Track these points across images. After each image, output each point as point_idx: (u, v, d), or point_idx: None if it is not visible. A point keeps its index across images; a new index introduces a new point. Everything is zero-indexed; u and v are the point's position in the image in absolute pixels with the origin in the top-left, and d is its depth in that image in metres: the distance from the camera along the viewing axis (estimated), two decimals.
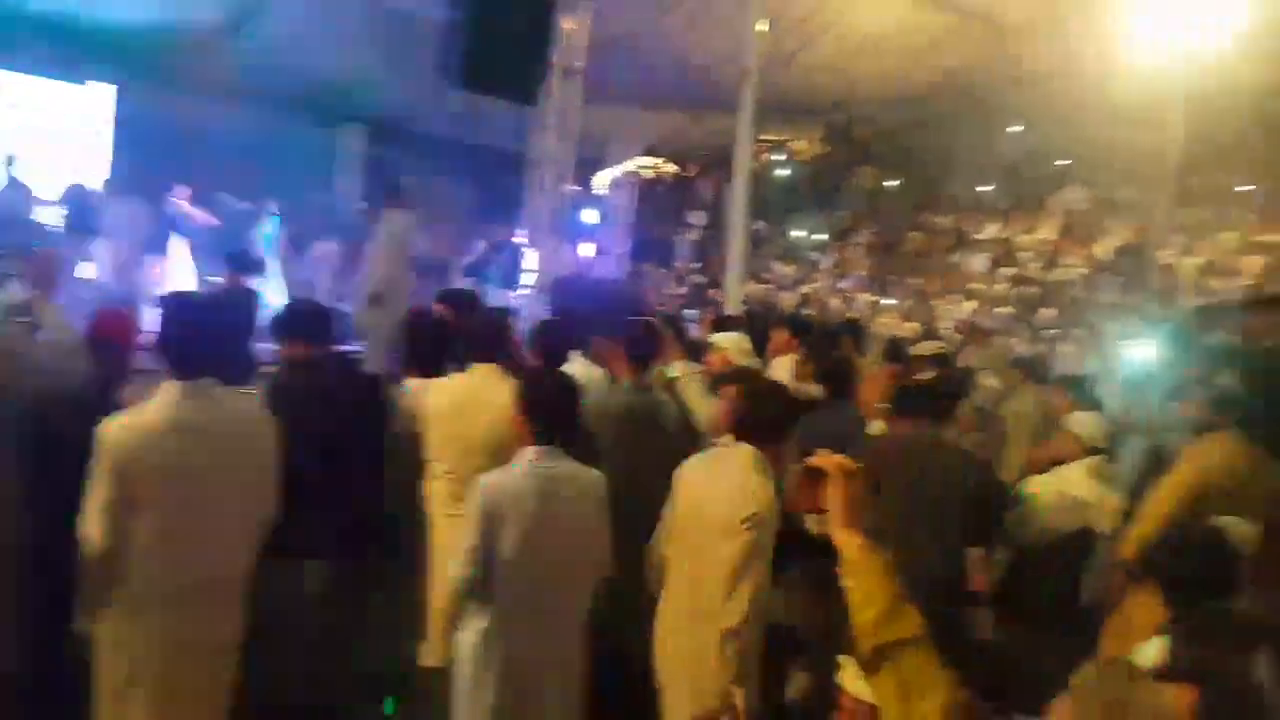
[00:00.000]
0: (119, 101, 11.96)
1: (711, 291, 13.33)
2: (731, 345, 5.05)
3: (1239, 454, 3.84)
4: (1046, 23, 13.69)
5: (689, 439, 4.11)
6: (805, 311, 12.64)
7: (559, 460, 3.04)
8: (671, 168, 19.68)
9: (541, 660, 3.04)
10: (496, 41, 7.30)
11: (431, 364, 3.82)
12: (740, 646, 3.05)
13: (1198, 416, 4.12)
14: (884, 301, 13.57)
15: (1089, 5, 12.36)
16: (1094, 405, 4.90)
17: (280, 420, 2.94)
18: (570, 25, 7.93)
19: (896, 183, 22.89)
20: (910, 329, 11.12)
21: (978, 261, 16.03)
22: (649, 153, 16.26)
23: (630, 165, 14.80)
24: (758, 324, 5.59)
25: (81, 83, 11.80)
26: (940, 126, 20.74)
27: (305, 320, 3.63)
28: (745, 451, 3.15)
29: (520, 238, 8.82)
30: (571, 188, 9.12)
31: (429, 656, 3.41)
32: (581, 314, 4.76)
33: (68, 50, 10.92)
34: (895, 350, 6.59)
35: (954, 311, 12.77)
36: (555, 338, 4.06)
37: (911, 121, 20.09)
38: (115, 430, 2.61)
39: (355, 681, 3.59)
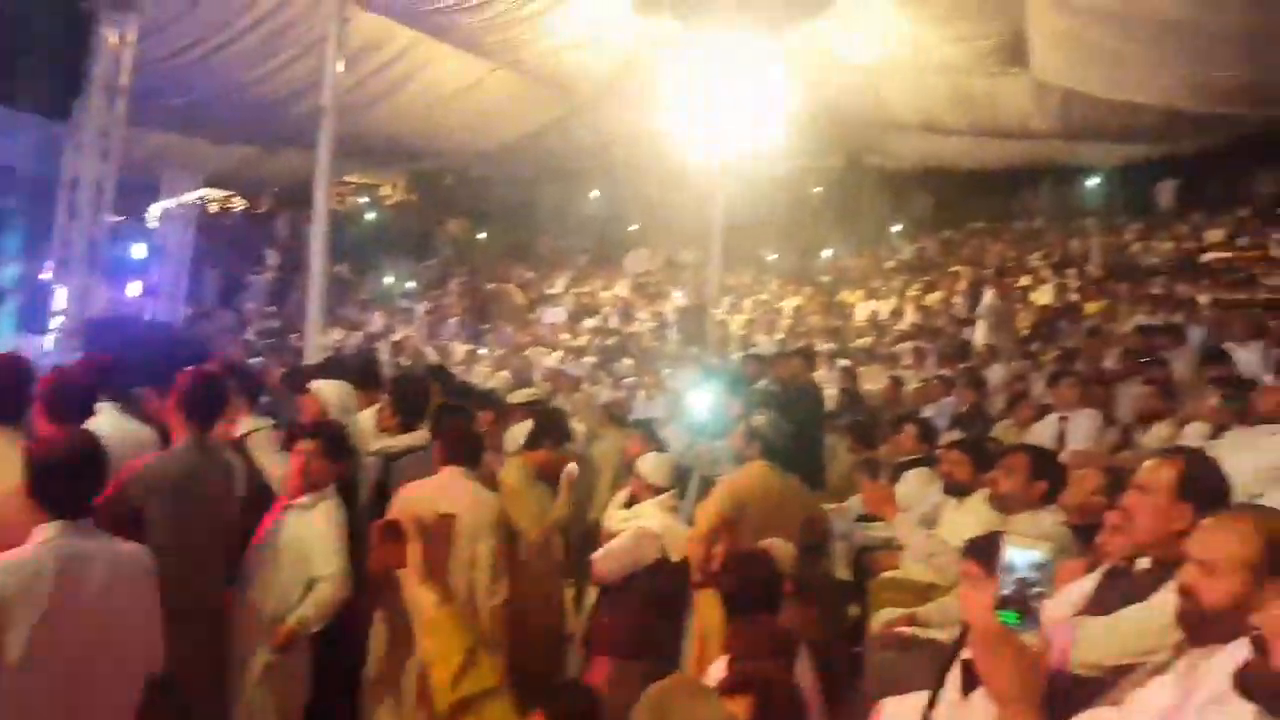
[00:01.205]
0: None
1: (291, 338, 12.46)
2: (334, 395, 4.69)
3: (770, 481, 4.37)
4: (614, 94, 15.03)
5: (261, 504, 3.74)
6: (400, 360, 12.37)
7: (86, 536, 2.56)
8: (241, 202, 18.17)
9: None
10: (17, 44, 6.21)
11: None
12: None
13: (739, 450, 4.63)
14: (480, 351, 13.70)
15: (651, 84, 13.77)
16: (661, 446, 5.34)
17: None
18: (115, 39, 6.98)
19: (484, 235, 23.55)
20: (502, 378, 11.32)
21: (561, 313, 16.93)
22: (214, 184, 14.82)
23: (190, 196, 13.30)
24: (340, 373, 5.27)
25: None
26: (525, 184, 21.77)
27: None
28: (467, 473, 3.89)
29: (47, 273, 7.46)
30: (114, 218, 7.97)
31: None
32: (123, 361, 4.12)
33: None
34: (487, 399, 6.65)
35: (544, 360, 13.27)
36: (71, 389, 3.42)
37: (498, 177, 20.82)
38: None
39: None
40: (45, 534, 2.50)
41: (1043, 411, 6.74)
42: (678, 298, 16.99)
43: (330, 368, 5.58)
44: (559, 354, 13.56)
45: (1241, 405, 4.70)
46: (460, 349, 13.75)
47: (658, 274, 19.96)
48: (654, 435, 5.62)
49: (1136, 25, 8.82)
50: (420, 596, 1.74)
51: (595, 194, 24.28)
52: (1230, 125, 12.90)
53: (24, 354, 4.54)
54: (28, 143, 8.95)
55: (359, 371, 5.52)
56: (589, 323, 16.02)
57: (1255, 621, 1.47)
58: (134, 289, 12.06)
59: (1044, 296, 12.84)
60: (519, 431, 5.85)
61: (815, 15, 12.66)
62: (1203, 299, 9.65)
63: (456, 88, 12.80)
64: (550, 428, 4.91)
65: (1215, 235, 13.81)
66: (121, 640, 2.63)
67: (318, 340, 6.77)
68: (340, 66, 6.57)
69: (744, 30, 11.71)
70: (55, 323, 7.11)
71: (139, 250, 12.50)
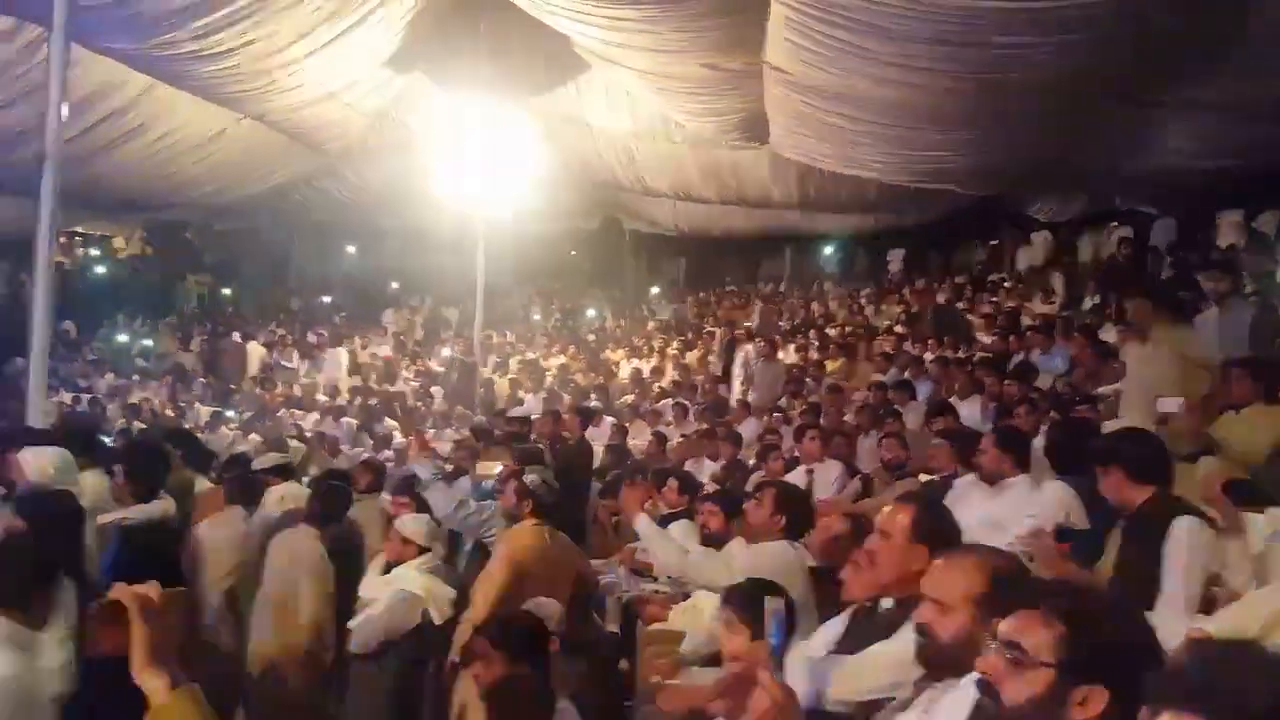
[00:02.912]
0: None
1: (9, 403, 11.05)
2: (33, 464, 4.17)
3: (543, 539, 4.37)
4: (368, 150, 14.74)
5: None
6: (135, 424, 11.30)
7: None
8: None
9: None
10: None
11: None
12: None
13: (513, 510, 4.59)
14: (228, 413, 12.76)
15: (406, 141, 13.63)
16: (425, 508, 5.18)
17: None
18: None
19: (229, 290, 22.11)
20: (253, 441, 10.60)
21: (326, 371, 16.14)
22: None
23: None
24: (52, 439, 4.71)
25: None
26: (277, 238, 20.73)
27: None
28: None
29: None
30: None
31: None
32: None
33: None
34: (234, 464, 6.23)
35: (300, 423, 12.57)
36: None
37: (245, 230, 19.69)
38: None
39: None
40: None
41: (792, 463, 7.16)
42: (445, 355, 16.70)
43: (41, 433, 4.98)
44: (315, 415, 12.89)
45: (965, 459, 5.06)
46: (205, 411, 12.74)
47: (419, 332, 19.53)
48: (415, 495, 5.45)
49: (857, 107, 9.77)
50: (147, 682, 1.57)
51: (351, 250, 23.54)
52: (946, 201, 14.55)
53: None
54: None
55: (75, 435, 4.97)
56: (348, 382, 15.35)
57: (978, 667, 1.56)
58: None
59: (790, 355, 13.71)
60: (270, 498, 5.49)
61: (564, 83, 13.09)
62: (928, 357, 10.58)
63: (198, 137, 12.05)
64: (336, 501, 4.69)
65: (937, 299, 15.27)
66: None
67: (40, 404, 6.02)
68: (65, 111, 5.98)
69: (496, 92, 11.89)
70: None
71: None
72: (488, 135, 11.99)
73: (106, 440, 7.25)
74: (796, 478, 6.64)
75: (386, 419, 12.46)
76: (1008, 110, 9.08)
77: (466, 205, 12.30)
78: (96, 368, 15.68)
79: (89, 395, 13.47)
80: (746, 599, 2.75)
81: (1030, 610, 1.53)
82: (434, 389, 14.89)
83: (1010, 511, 4.24)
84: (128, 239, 21.41)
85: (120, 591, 1.63)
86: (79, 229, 18.35)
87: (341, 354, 16.49)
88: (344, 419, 12.27)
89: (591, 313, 21.08)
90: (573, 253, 23.31)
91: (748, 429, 9.36)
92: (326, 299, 22.32)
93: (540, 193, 13.10)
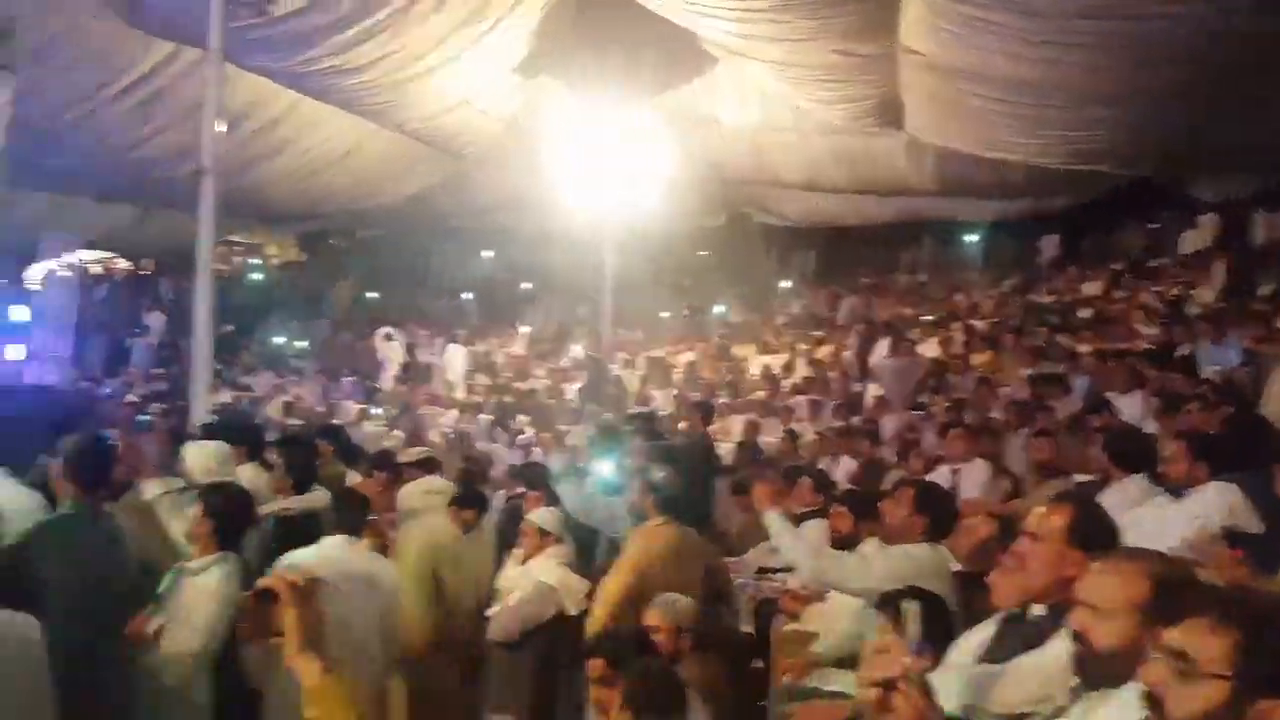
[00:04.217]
0: None
1: (179, 402, 11.99)
2: (195, 458, 4.47)
3: (672, 536, 4.35)
4: (500, 156, 15.10)
5: (154, 572, 3.55)
6: (290, 421, 11.95)
7: None
8: (124, 263, 17.44)
9: None
10: None
11: None
12: None
13: (639, 507, 4.58)
14: (374, 410, 13.39)
15: (536, 146, 13.90)
16: (554, 500, 5.27)
17: None
18: None
19: (375, 295, 23.17)
20: (397, 437, 11.07)
21: (459, 369, 16.69)
22: (96, 246, 14.36)
23: (71, 258, 12.91)
24: (218, 434, 5.04)
25: None
26: (416, 244, 21.57)
27: None
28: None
29: None
30: None
31: None
32: (12, 427, 3.92)
33: None
34: (383, 459, 6.47)
35: (439, 419, 13.04)
36: None
37: (388, 237, 20.57)
38: None
39: None
40: None
41: (935, 462, 6.85)
42: (574, 352, 16.96)
43: (209, 429, 5.36)
44: (454, 412, 13.33)
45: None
46: (354, 408, 13.40)
47: (551, 332, 19.89)
48: (545, 483, 5.56)
49: (997, 87, 9.33)
50: (301, 665, 1.63)
51: (487, 254, 24.24)
52: (1099, 182, 13.66)
53: None
54: None
55: (238, 431, 5.30)
56: (484, 380, 15.80)
57: (1143, 678, 1.46)
58: (15, 352, 11.63)
59: (931, 349, 13.15)
60: (407, 492, 5.67)
61: (692, 79, 13.03)
62: (1083, 349, 9.92)
63: (341, 149, 12.64)
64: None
65: (1092, 288, 14.32)
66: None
67: (206, 401, 6.51)
68: (221, 128, 6.42)
69: (623, 93, 11.95)
70: None
71: (20, 313, 12.11)
72: (617, 137, 12.08)
73: (264, 436, 7.70)
74: (940, 478, 6.32)
75: (519, 416, 12.76)
76: (1160, 85, 8.48)
77: (597, 207, 12.45)
78: (254, 370, 16.65)
79: (248, 394, 14.34)
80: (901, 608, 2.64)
81: (1200, 617, 1.42)
82: (565, 385, 15.14)
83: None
84: (280, 247, 22.77)
85: (274, 579, 1.69)
86: (235, 238, 19.55)
87: (462, 352, 16.93)
88: (480, 416, 12.65)
89: (720, 308, 20.94)
90: (701, 252, 23.22)
91: (886, 426, 9.06)
92: (467, 295, 23.07)
93: (669, 191, 13.09)
